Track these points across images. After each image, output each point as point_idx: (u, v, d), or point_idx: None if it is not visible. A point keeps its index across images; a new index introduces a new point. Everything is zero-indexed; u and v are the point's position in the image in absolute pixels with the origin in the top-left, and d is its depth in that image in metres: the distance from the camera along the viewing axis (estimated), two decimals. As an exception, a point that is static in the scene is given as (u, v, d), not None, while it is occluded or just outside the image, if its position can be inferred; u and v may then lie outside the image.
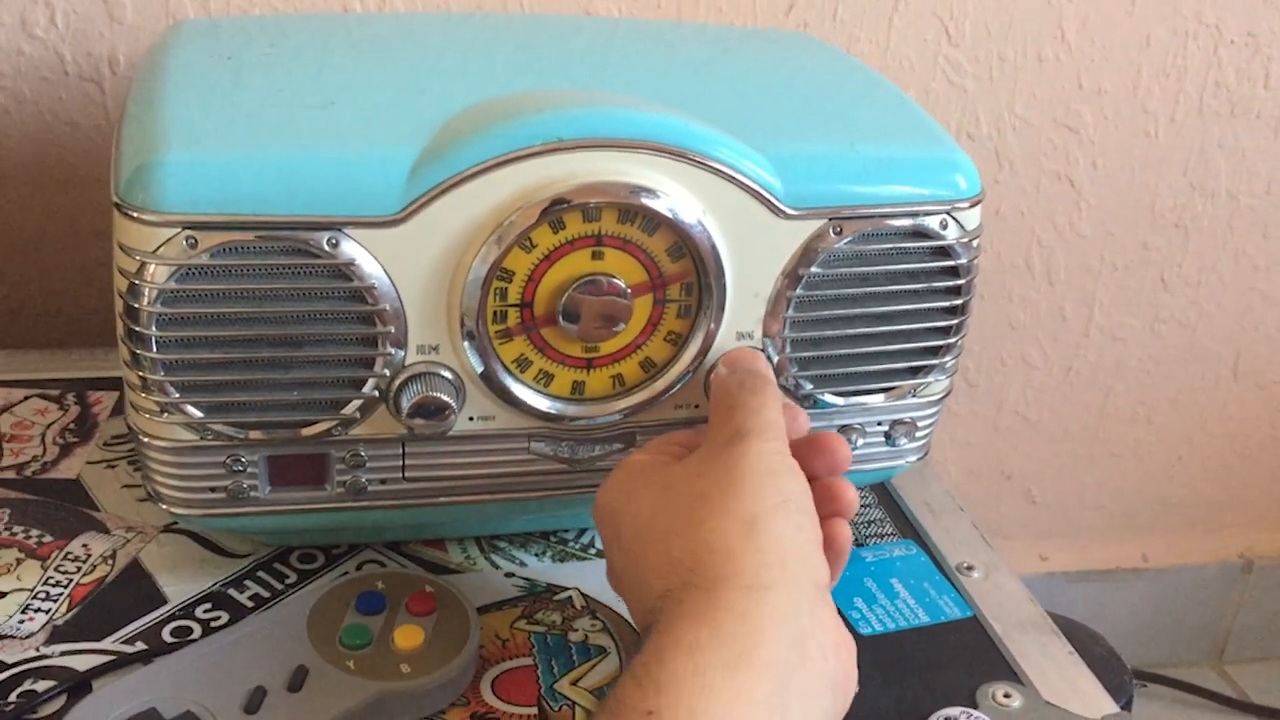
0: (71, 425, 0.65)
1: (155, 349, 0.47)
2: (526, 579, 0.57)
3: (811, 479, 0.46)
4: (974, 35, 0.85)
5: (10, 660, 0.49)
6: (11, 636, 0.50)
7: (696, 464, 0.45)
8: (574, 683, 0.51)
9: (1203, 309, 1.00)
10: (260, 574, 0.55)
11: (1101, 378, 1.02)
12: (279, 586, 0.55)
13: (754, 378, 0.48)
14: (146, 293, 0.46)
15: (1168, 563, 1.11)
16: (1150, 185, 0.93)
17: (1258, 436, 1.09)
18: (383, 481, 0.52)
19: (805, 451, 0.47)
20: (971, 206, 0.53)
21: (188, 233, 0.45)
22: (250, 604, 0.53)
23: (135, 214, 0.45)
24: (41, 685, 0.48)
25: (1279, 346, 1.04)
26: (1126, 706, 0.73)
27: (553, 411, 0.52)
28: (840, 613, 0.44)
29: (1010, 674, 0.53)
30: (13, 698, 0.47)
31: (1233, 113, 0.92)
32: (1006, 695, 0.52)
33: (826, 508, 0.46)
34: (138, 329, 0.47)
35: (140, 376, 0.48)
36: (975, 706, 0.51)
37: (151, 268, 0.46)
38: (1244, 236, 0.97)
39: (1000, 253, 0.93)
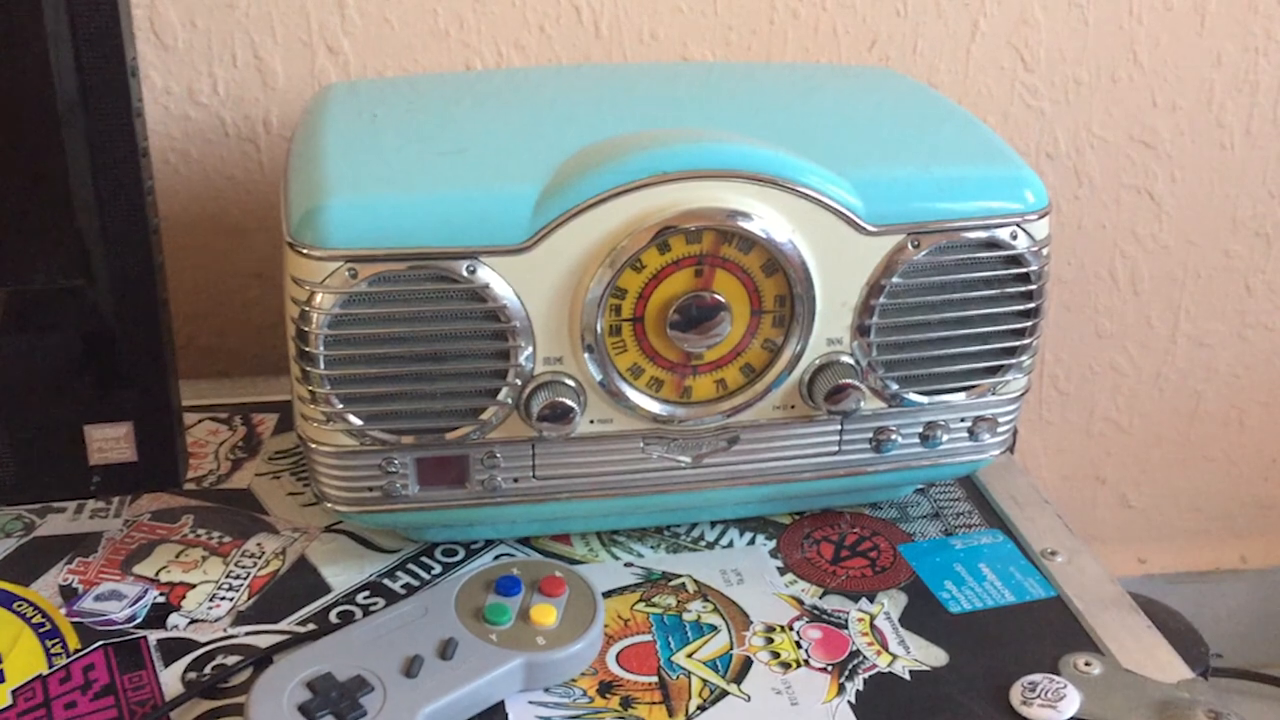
0: (240, 444, 0.73)
1: (323, 366, 0.54)
2: (644, 568, 0.63)
3: None
4: (1049, 61, 0.89)
5: (203, 640, 0.57)
6: (203, 620, 0.58)
7: None
8: (690, 655, 0.57)
9: (1289, 313, 1.02)
10: (410, 566, 0.62)
11: (1191, 383, 1.03)
12: (426, 576, 0.62)
13: None
14: (315, 318, 0.53)
15: (1267, 564, 1.11)
16: (1230, 195, 0.95)
17: (1352, 437, 1.09)
18: (515, 480, 0.59)
19: None
20: (1040, 218, 0.58)
21: (349, 265, 0.52)
22: (403, 591, 0.60)
23: (305, 250, 0.53)
24: (231, 659, 0.55)
25: (1367, 347, 1.04)
26: (1203, 675, 0.76)
27: (663, 414, 0.58)
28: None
29: (1091, 645, 0.57)
30: (208, 670, 0.55)
31: (1308, 122, 0.94)
32: (1087, 664, 0.56)
33: None
34: (308, 349, 0.54)
35: (309, 390, 0.55)
36: (1058, 674, 0.55)
37: (319, 296, 0.53)
38: (1326, 241, 0.99)
39: (1084, 264, 0.96)
